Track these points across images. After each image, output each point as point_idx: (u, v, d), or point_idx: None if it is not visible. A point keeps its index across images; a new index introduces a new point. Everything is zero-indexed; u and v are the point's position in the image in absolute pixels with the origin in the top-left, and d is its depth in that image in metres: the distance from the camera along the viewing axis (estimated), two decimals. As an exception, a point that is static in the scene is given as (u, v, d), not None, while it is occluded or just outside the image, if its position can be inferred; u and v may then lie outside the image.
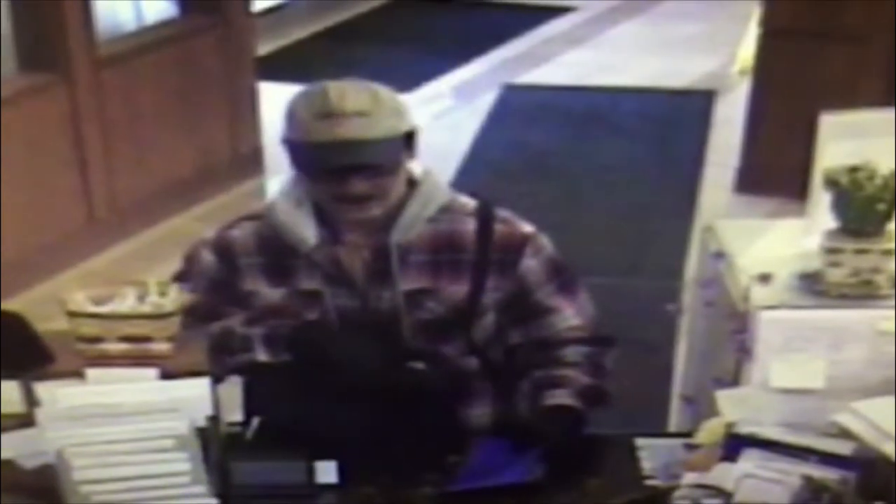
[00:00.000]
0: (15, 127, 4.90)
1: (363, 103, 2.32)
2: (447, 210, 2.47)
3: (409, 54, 8.44)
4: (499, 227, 2.47)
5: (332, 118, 2.30)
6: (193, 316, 2.42)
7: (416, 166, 2.49)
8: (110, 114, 5.45)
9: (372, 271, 2.44)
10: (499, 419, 2.53)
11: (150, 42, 5.80)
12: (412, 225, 2.43)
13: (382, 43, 8.79)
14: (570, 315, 2.51)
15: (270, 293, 2.47)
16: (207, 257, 2.53)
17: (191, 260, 2.56)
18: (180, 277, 2.54)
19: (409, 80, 6.96)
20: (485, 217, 2.48)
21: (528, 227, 2.51)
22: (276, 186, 2.65)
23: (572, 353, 2.50)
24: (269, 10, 8.83)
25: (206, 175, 6.01)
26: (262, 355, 2.46)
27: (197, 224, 5.67)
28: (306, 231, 2.43)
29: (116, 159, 5.51)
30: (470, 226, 2.46)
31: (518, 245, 2.47)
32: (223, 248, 2.51)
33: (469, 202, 2.50)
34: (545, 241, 2.52)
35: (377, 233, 2.43)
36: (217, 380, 2.26)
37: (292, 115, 2.37)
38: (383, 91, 2.38)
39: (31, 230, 5.06)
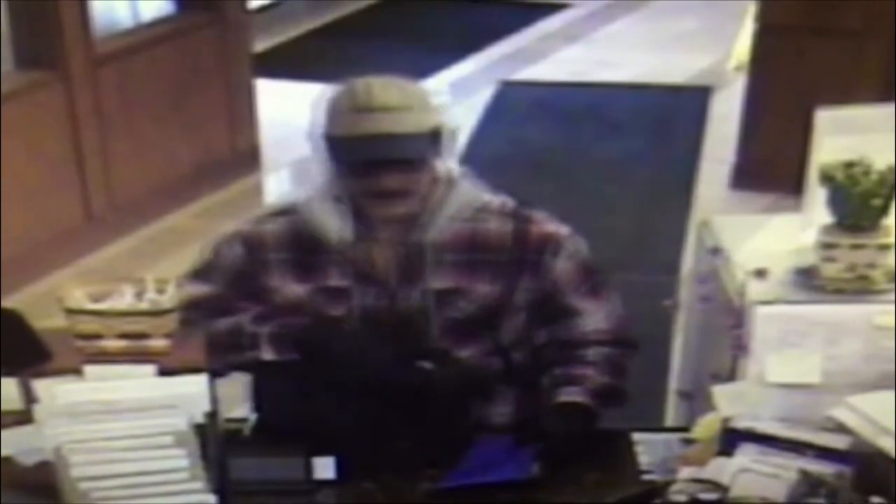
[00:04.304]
0: (12, 124, 4.90)
1: (389, 99, 2.34)
2: (484, 210, 2.48)
3: (406, 51, 8.42)
4: (534, 229, 2.49)
5: (360, 113, 2.34)
6: (204, 310, 2.42)
7: (454, 165, 2.51)
8: (107, 111, 5.45)
9: (403, 269, 2.44)
10: (520, 418, 2.54)
11: (146, 39, 5.80)
12: (448, 224, 2.44)
13: (379, 40, 8.78)
14: (598, 318, 2.53)
15: (294, 289, 2.47)
16: (237, 249, 2.52)
17: (218, 251, 2.56)
18: (204, 268, 2.55)
19: (405, 76, 6.93)
20: (521, 218, 2.49)
21: (563, 229, 2.53)
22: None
23: (593, 352, 2.52)
24: (266, 7, 8.83)
25: (203, 172, 6.01)
26: (267, 354, 2.46)
27: (194, 221, 5.67)
28: (342, 227, 2.44)
29: (114, 156, 5.51)
30: (506, 226, 2.47)
31: (553, 247, 2.49)
32: (254, 242, 2.51)
33: (506, 202, 2.52)
34: (580, 244, 2.53)
35: (412, 231, 2.43)
36: (217, 375, 2.27)
37: (327, 110, 2.40)
38: (413, 87, 2.41)
39: (28, 227, 5.06)
